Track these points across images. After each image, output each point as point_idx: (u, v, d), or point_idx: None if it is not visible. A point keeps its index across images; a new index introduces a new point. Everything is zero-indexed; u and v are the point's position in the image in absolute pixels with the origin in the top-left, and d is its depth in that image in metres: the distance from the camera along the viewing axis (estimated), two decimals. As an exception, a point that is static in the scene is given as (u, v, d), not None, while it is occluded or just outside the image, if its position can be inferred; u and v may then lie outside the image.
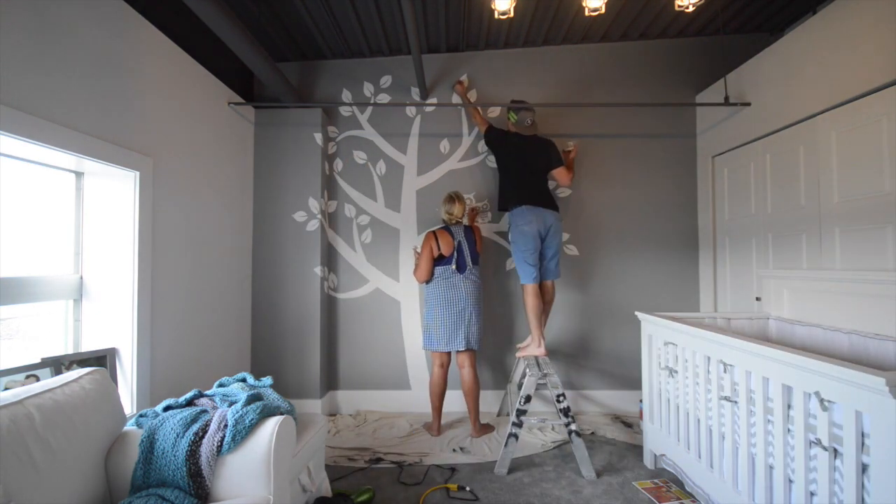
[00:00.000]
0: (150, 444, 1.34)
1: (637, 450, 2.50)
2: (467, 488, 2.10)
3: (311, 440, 1.75)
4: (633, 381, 3.10)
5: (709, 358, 1.82)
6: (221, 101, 2.73)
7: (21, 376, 1.58)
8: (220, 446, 1.32)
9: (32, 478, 1.07)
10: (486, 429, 2.76)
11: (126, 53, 1.93)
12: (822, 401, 1.26)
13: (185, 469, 1.29)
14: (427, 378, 3.18)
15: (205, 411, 1.47)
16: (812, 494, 1.33)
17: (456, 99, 3.25)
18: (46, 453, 1.12)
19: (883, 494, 1.09)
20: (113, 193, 1.96)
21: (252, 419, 1.38)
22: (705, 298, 3.14)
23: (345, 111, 3.27)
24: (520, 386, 2.74)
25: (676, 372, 2.08)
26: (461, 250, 2.71)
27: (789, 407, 1.42)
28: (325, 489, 1.92)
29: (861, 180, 2.01)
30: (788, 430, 1.42)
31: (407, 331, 3.21)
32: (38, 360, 1.66)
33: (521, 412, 2.25)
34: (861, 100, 2.01)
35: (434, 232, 2.74)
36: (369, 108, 3.26)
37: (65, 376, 1.35)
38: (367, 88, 3.28)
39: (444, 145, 3.25)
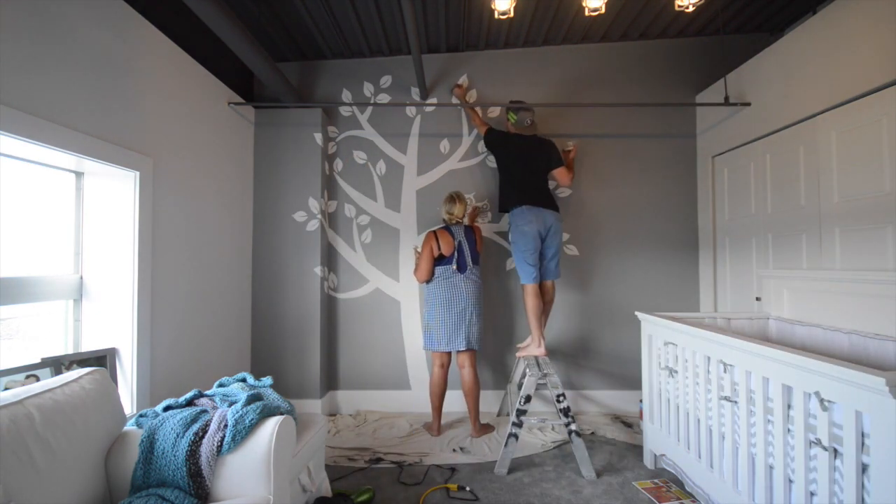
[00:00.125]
0: (150, 444, 1.34)
1: (637, 450, 2.50)
2: (467, 488, 2.10)
3: (311, 440, 1.75)
4: (633, 381, 3.10)
5: (709, 358, 1.82)
6: (221, 101, 2.73)
7: (21, 376, 1.58)
8: (220, 446, 1.32)
9: (32, 478, 1.07)
10: (486, 429, 2.76)
11: (126, 53, 1.93)
12: (822, 401, 1.26)
13: (185, 469, 1.29)
14: (427, 378, 3.18)
15: (205, 411, 1.47)
16: (812, 494, 1.33)
17: (456, 100, 3.25)
18: (46, 453, 1.12)
19: (883, 494, 1.09)
20: (113, 193, 1.96)
21: (252, 419, 1.38)
22: (705, 298, 3.14)
23: (345, 111, 3.27)
24: (520, 386, 2.74)
25: (676, 372, 2.08)
26: (462, 250, 2.71)
27: (789, 407, 1.42)
28: (325, 489, 1.92)
29: (861, 180, 2.01)
30: (788, 430, 1.42)
31: (407, 331, 3.21)
32: (38, 360, 1.66)
33: (521, 412, 2.25)
34: (861, 100, 2.01)
35: (434, 232, 2.74)
36: (369, 108, 3.26)
37: (65, 376, 1.35)
38: (367, 88, 3.28)
39: (444, 145, 3.25)
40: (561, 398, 2.25)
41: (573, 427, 2.22)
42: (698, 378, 1.91)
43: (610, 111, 3.22)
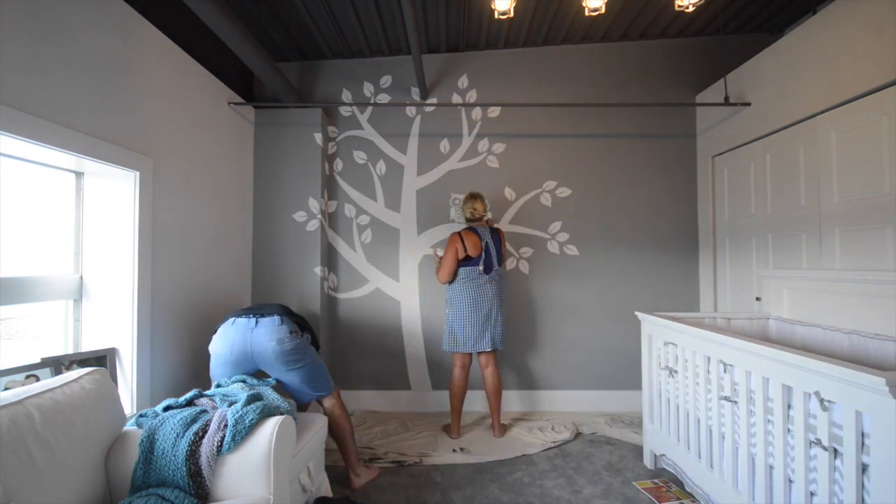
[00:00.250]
0: (150, 444, 1.34)
1: (637, 450, 2.50)
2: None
3: (311, 440, 1.75)
4: (633, 381, 3.10)
5: (709, 358, 1.82)
6: (221, 101, 2.73)
7: (21, 376, 1.58)
8: (220, 446, 1.32)
9: (32, 478, 1.07)
10: (507, 429, 2.76)
11: (126, 53, 1.93)
12: (822, 401, 1.26)
13: (185, 469, 1.29)
14: (427, 379, 3.19)
15: (205, 411, 1.47)
16: (812, 494, 1.33)
17: (456, 99, 3.25)
18: (46, 453, 1.12)
19: (883, 494, 1.09)
20: (113, 193, 1.96)
21: (252, 419, 1.38)
22: (705, 298, 3.14)
23: (345, 111, 3.27)
24: None
25: (676, 372, 2.08)
26: (488, 251, 2.67)
27: (789, 407, 1.42)
28: (325, 489, 1.92)
29: (861, 180, 2.01)
30: (788, 430, 1.42)
31: (407, 331, 3.21)
32: (38, 360, 1.66)
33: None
34: (861, 100, 2.01)
35: (459, 233, 2.67)
36: (369, 108, 3.26)
37: (65, 376, 1.35)
38: (367, 88, 3.28)
39: (444, 145, 3.25)
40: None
41: None
42: (698, 378, 1.91)
43: (610, 111, 3.22)
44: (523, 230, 3.22)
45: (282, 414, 1.49)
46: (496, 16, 2.35)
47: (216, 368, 1.95)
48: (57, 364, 1.69)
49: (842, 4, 2.11)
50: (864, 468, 1.17)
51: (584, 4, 2.32)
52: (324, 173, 3.15)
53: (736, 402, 1.66)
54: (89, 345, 1.92)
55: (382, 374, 3.21)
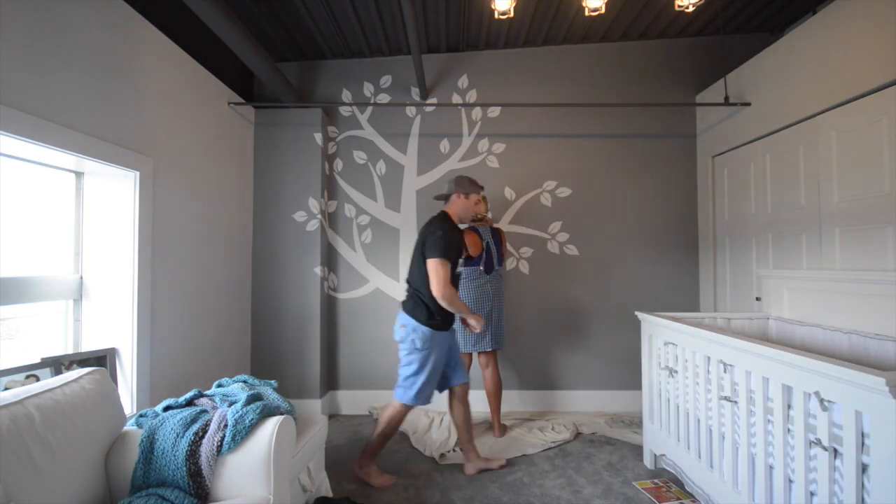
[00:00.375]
0: (150, 443, 1.34)
1: (637, 450, 2.50)
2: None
3: (311, 440, 1.75)
4: (633, 381, 3.10)
5: (709, 358, 1.82)
6: (221, 101, 2.73)
7: (21, 376, 1.58)
8: (220, 446, 1.32)
9: (32, 478, 1.07)
10: (507, 429, 2.76)
11: (126, 53, 1.93)
12: (822, 401, 1.26)
13: (185, 469, 1.29)
14: (427, 378, 3.18)
15: (205, 411, 1.47)
16: (812, 494, 1.33)
17: (456, 99, 3.25)
18: (46, 453, 1.12)
19: (883, 494, 1.09)
20: (113, 193, 1.96)
21: (252, 419, 1.38)
22: (705, 298, 3.14)
23: (345, 111, 3.27)
24: None
25: (676, 372, 2.08)
26: (489, 251, 2.67)
27: (789, 407, 1.42)
28: (325, 489, 1.92)
29: (861, 180, 2.01)
30: (788, 430, 1.42)
31: (407, 331, 3.21)
32: (38, 360, 1.66)
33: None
34: (861, 100, 2.01)
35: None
36: (369, 108, 3.26)
37: (65, 376, 1.35)
38: (367, 88, 3.28)
39: (444, 145, 3.25)
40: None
41: None
42: (698, 378, 1.91)
43: (610, 111, 3.22)
44: (523, 230, 3.22)
45: (282, 414, 1.49)
46: (496, 16, 2.35)
47: None
48: (57, 364, 1.69)
49: (842, 4, 2.11)
50: (864, 468, 1.17)
51: (584, 4, 2.32)
52: (324, 173, 3.15)
53: (736, 402, 1.66)
54: (89, 345, 1.93)
55: (382, 374, 3.21)
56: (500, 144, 3.24)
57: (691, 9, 2.31)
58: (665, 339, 2.17)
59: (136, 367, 1.95)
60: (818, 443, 1.28)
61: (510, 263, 3.20)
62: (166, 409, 1.49)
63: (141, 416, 1.46)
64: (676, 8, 2.35)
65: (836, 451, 1.25)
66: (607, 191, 3.22)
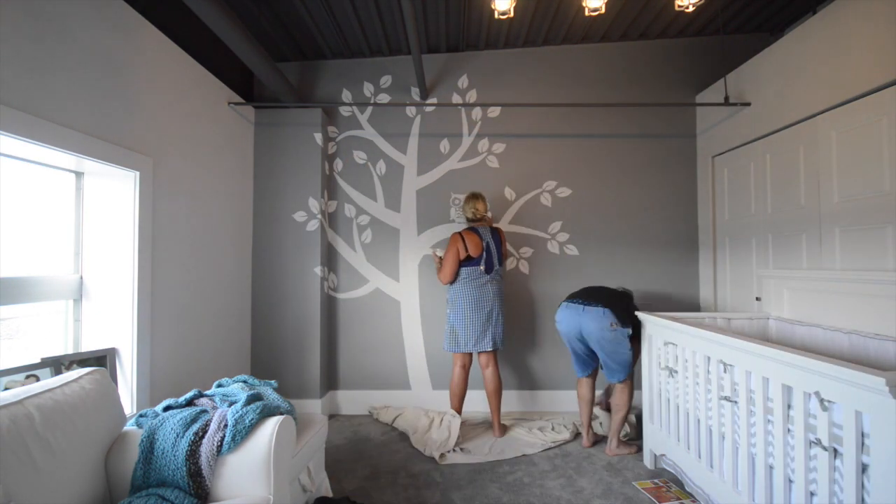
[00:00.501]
0: (150, 443, 1.34)
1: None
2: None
3: (311, 440, 1.75)
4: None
5: (709, 358, 1.82)
6: (221, 101, 2.73)
7: (21, 376, 1.58)
8: (220, 446, 1.32)
9: (32, 478, 1.07)
10: (507, 429, 2.76)
11: (126, 53, 1.93)
12: (822, 401, 1.26)
13: (185, 469, 1.29)
14: (427, 378, 3.19)
15: (205, 411, 1.47)
16: (812, 494, 1.33)
17: (456, 99, 3.25)
18: (46, 453, 1.12)
19: (883, 494, 1.09)
20: (113, 193, 1.96)
21: (252, 419, 1.38)
22: (705, 298, 3.14)
23: (345, 111, 3.27)
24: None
25: (676, 372, 2.08)
26: (489, 251, 2.67)
27: (789, 407, 1.42)
28: (325, 489, 1.92)
29: (861, 180, 2.01)
30: (788, 430, 1.42)
31: (407, 331, 3.21)
32: (38, 360, 1.66)
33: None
34: (861, 100, 2.01)
35: (460, 233, 2.68)
36: (369, 108, 3.26)
37: (65, 376, 1.35)
38: (367, 88, 3.28)
39: (444, 145, 3.25)
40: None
41: None
42: (698, 378, 1.91)
43: (610, 111, 3.22)
44: (523, 230, 3.22)
45: (282, 414, 1.49)
46: (496, 16, 2.35)
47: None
48: (57, 364, 1.69)
49: (842, 4, 2.11)
50: (863, 468, 1.17)
51: (584, 4, 2.32)
52: (324, 173, 3.15)
53: (736, 402, 1.66)
54: (89, 345, 1.93)
55: (383, 373, 3.21)
56: (500, 144, 3.24)
57: (691, 9, 2.31)
58: (665, 339, 2.17)
59: (136, 366, 1.95)
60: (818, 443, 1.28)
61: (510, 263, 3.21)
62: (166, 409, 1.49)
63: (141, 416, 1.46)
64: (676, 8, 2.35)
65: (836, 451, 1.25)
66: (607, 191, 3.22)
